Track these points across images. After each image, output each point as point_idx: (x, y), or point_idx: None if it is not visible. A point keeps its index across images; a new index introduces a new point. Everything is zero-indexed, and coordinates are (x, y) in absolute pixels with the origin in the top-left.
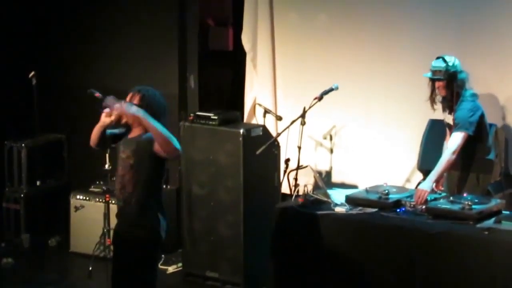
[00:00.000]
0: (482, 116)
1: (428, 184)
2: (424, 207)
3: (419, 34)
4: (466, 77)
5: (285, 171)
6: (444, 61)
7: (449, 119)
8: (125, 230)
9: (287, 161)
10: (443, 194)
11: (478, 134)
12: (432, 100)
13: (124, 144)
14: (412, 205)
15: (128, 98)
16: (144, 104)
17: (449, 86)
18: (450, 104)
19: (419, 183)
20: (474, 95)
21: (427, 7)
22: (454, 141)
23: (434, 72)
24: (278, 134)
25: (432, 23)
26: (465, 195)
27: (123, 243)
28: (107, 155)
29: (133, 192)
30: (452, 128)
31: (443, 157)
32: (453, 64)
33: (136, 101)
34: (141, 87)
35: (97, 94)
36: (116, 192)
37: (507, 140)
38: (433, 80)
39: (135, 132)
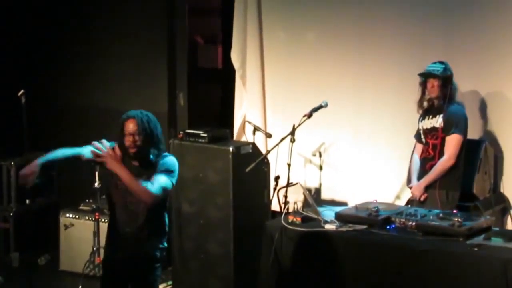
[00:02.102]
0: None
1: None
2: (414, 223)
3: (407, 52)
4: (457, 88)
5: (274, 189)
6: (442, 63)
7: (428, 123)
8: (133, 254)
9: (276, 178)
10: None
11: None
12: (421, 104)
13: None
14: (402, 222)
15: (130, 126)
16: (144, 129)
17: (445, 86)
18: (439, 105)
19: (409, 200)
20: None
21: (414, 24)
22: (450, 145)
23: (433, 70)
24: (268, 152)
25: (419, 40)
26: (454, 211)
27: (127, 267)
28: (96, 173)
29: (146, 221)
30: (429, 134)
31: (438, 164)
32: (450, 68)
33: (140, 129)
34: (133, 113)
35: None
36: (123, 221)
37: (496, 157)
38: (425, 81)
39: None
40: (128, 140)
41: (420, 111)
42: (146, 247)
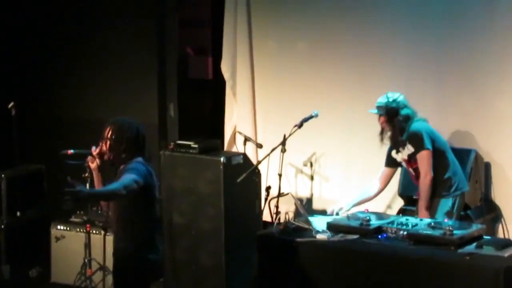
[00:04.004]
0: (430, 133)
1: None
2: (405, 233)
3: (397, 61)
4: (412, 113)
5: (266, 199)
6: (386, 97)
7: (404, 154)
8: (120, 265)
9: (268, 188)
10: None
11: (434, 153)
12: (382, 137)
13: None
14: (393, 231)
15: (104, 130)
16: (113, 135)
17: (391, 121)
18: (396, 140)
19: (400, 209)
20: (418, 120)
21: (405, 35)
22: (420, 163)
23: (377, 108)
24: (259, 162)
25: (410, 51)
26: (446, 220)
27: (119, 277)
28: (87, 185)
29: (122, 228)
30: (409, 162)
31: (420, 185)
32: (394, 100)
33: (109, 134)
34: (112, 119)
35: (69, 152)
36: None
37: (487, 165)
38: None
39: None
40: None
41: (383, 143)
42: (125, 257)
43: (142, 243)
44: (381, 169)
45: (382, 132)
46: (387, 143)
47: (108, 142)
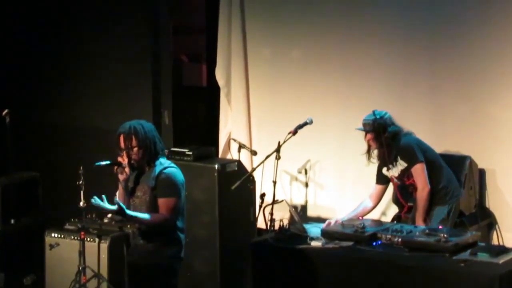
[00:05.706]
0: (420, 144)
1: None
2: (400, 240)
3: (391, 70)
4: (399, 129)
5: (260, 206)
6: (373, 114)
7: (395, 171)
8: (146, 263)
9: (262, 195)
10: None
11: (426, 164)
12: (369, 155)
13: (141, 181)
14: (388, 238)
15: (122, 142)
16: (139, 142)
17: (378, 138)
18: (384, 158)
19: (395, 216)
20: (405, 135)
21: (399, 42)
22: (416, 177)
23: (364, 125)
24: (253, 169)
25: (405, 59)
26: (440, 227)
27: (143, 275)
28: (82, 192)
29: (151, 231)
30: (402, 177)
31: (417, 198)
32: (382, 117)
33: (133, 143)
34: (126, 128)
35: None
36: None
37: (481, 172)
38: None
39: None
40: (122, 155)
41: (370, 161)
42: (153, 256)
43: (172, 242)
44: (373, 186)
45: (369, 150)
46: (374, 162)
47: (137, 150)
